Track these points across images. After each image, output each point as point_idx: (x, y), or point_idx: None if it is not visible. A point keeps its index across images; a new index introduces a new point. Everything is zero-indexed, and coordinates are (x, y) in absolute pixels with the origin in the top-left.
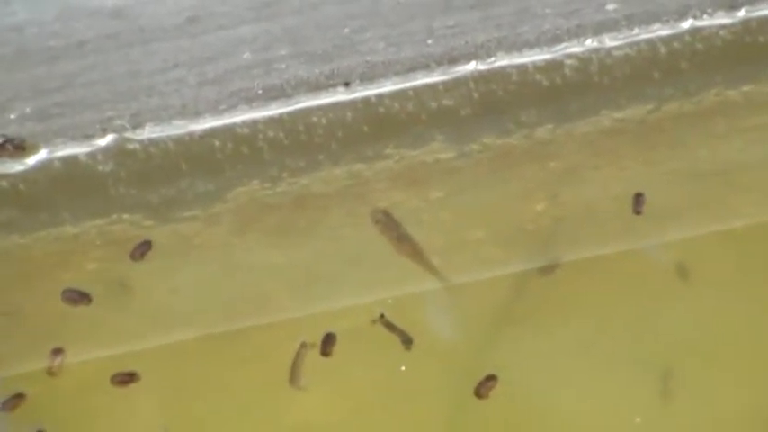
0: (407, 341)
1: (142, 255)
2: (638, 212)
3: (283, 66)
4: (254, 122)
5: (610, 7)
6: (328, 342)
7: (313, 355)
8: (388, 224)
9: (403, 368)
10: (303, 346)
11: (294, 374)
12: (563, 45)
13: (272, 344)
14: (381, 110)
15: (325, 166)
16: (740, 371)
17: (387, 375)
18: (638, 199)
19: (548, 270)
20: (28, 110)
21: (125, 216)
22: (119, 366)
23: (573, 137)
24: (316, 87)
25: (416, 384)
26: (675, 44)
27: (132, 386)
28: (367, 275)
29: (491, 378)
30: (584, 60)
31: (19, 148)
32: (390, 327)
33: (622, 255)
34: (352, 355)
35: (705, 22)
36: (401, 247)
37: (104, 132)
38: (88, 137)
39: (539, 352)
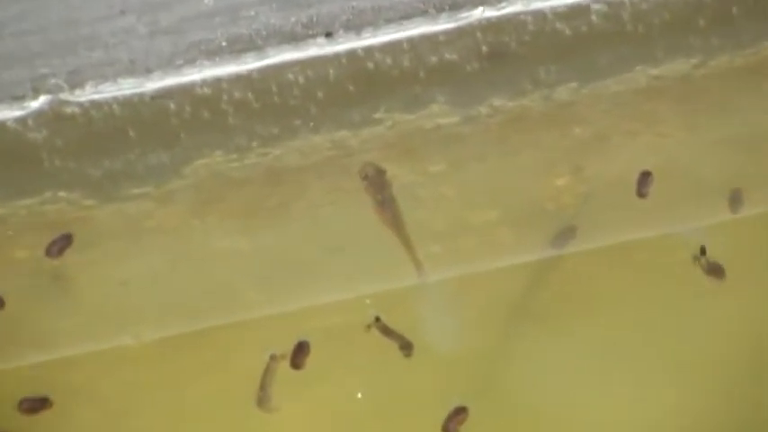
0: (407, 347)
1: (60, 251)
2: (642, 195)
3: (252, 12)
4: (217, 81)
5: None
6: (300, 352)
7: (284, 366)
8: (376, 183)
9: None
10: (273, 358)
11: (263, 395)
12: None
13: (237, 348)
14: (370, 65)
15: (302, 134)
16: None
17: (375, 389)
18: (644, 179)
19: (570, 258)
20: None
21: (61, 194)
22: (51, 377)
23: (601, 98)
24: (291, 38)
25: (410, 400)
26: None
27: (55, 408)
28: (351, 266)
29: (460, 411)
30: (614, 5)
31: None
32: (387, 332)
33: (659, 240)
34: (331, 364)
35: None
36: (382, 213)
37: (37, 93)
38: (17, 98)
39: (557, 356)
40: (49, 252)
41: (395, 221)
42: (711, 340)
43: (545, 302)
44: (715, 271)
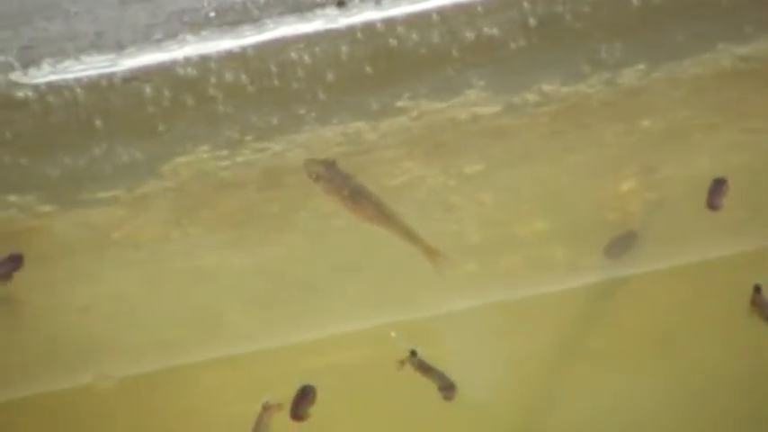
0: (448, 388)
1: (7, 276)
2: (714, 207)
3: None
4: (204, 60)
5: None
6: (304, 399)
7: (282, 416)
8: (333, 178)
9: None
10: (266, 409)
11: None
12: None
13: (223, 392)
14: (392, 42)
15: (307, 125)
16: None
17: None
18: (717, 187)
19: (635, 279)
20: None
21: (11, 198)
22: None
23: (676, 82)
24: (295, 8)
25: None
26: None
27: None
28: (369, 289)
29: None
30: None
31: None
32: (425, 369)
33: (748, 257)
34: (344, 414)
35: None
36: (360, 209)
37: None
38: None
39: (619, 399)
40: None
41: (379, 212)
42: None
43: (605, 334)
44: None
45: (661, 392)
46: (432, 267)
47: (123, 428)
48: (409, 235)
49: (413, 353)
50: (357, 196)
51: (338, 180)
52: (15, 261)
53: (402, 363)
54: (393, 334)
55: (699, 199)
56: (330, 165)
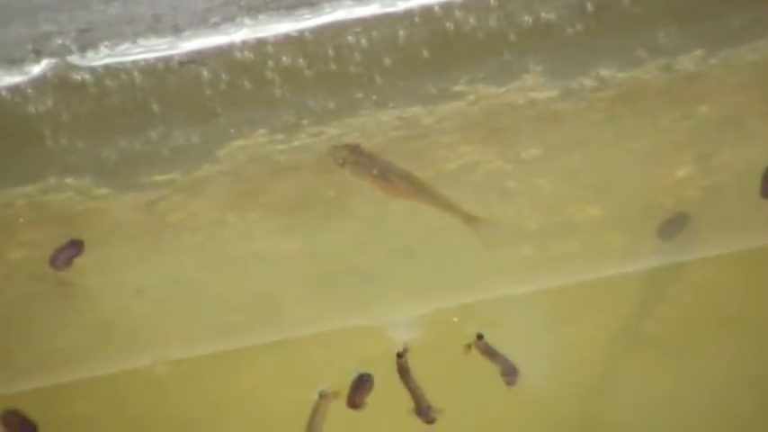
0: (512, 373)
1: (68, 262)
2: (767, 195)
3: None
4: (261, 43)
5: None
6: (361, 388)
7: (339, 404)
8: (360, 161)
9: None
10: (323, 397)
11: None
12: None
13: (278, 377)
14: (449, 26)
15: (364, 110)
16: None
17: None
18: None
19: (693, 265)
20: None
21: (68, 180)
22: (50, 408)
23: (734, 68)
24: None
25: None
26: None
27: None
28: (425, 274)
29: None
30: None
31: None
32: (491, 353)
33: None
34: (401, 402)
35: None
36: (390, 185)
37: (39, 55)
38: (15, 62)
39: (676, 387)
40: (53, 263)
41: (412, 187)
42: None
43: (661, 319)
44: None
45: (717, 377)
46: (477, 237)
47: (179, 412)
48: (446, 205)
49: (479, 336)
50: (387, 174)
51: (365, 161)
52: (76, 246)
53: (468, 347)
54: (455, 319)
55: (754, 185)
56: (354, 148)
